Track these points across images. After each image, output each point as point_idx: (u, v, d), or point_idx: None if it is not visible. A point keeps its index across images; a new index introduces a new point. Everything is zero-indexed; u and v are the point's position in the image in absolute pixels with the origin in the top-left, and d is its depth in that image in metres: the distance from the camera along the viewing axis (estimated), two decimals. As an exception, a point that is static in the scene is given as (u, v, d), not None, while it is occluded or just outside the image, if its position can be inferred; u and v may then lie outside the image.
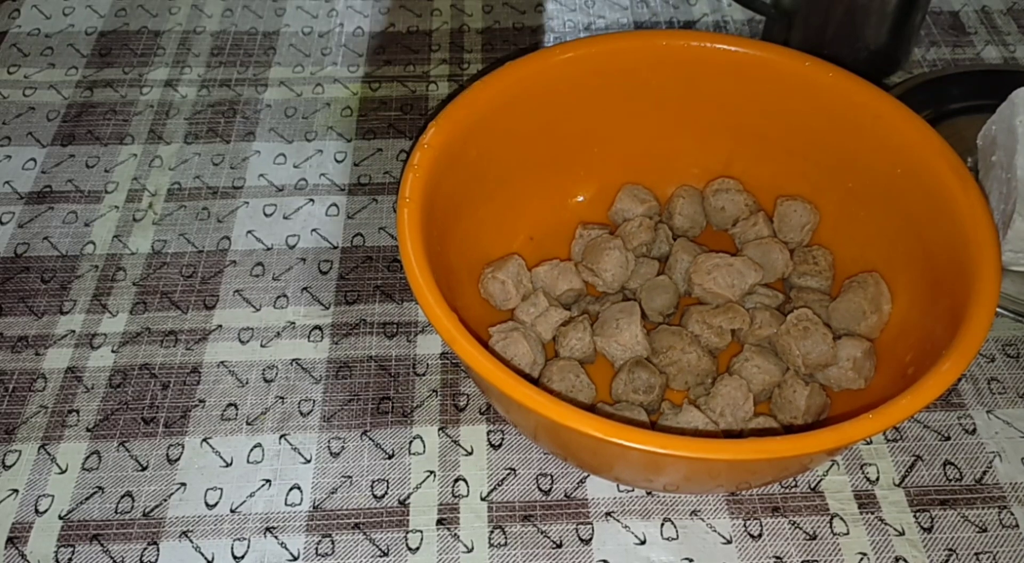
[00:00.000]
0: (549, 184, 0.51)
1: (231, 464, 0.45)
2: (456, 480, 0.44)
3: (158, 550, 0.42)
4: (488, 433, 0.46)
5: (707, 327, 0.46)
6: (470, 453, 0.45)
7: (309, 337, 0.50)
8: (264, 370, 0.48)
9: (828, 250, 0.50)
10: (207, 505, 0.43)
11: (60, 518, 0.43)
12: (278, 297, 0.51)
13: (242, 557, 0.41)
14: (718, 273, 0.47)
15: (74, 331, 0.50)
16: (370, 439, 0.46)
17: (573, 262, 0.50)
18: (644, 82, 0.49)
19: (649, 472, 0.40)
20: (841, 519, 0.43)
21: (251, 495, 0.43)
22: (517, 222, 0.51)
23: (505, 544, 0.42)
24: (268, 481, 0.44)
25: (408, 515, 0.43)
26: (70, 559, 0.41)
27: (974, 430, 0.46)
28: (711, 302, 0.47)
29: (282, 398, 0.47)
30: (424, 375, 0.48)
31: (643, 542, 0.42)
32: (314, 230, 0.55)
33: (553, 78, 0.48)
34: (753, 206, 0.52)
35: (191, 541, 0.42)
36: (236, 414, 0.46)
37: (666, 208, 0.53)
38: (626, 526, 0.42)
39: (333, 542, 0.42)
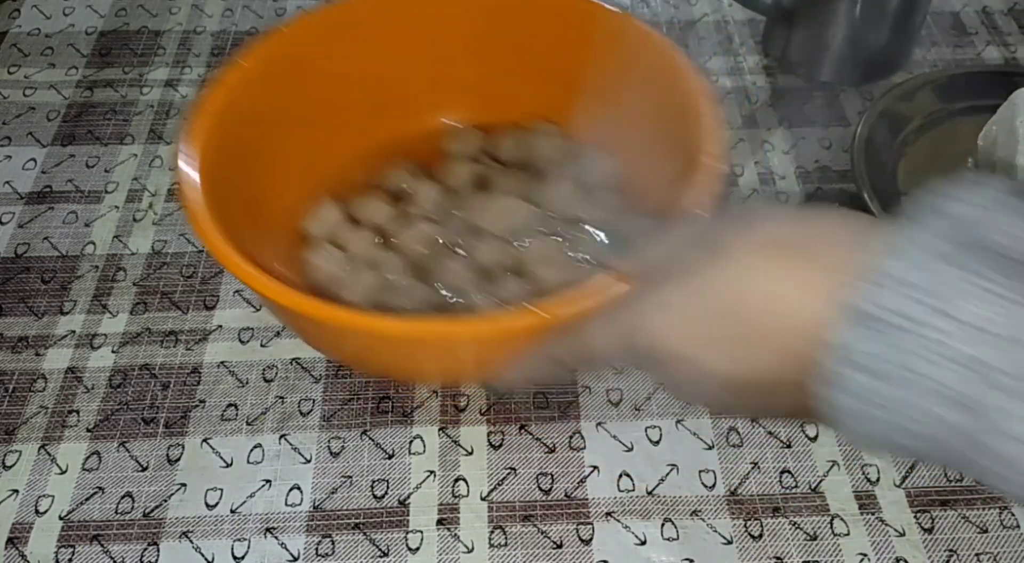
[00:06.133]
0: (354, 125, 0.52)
1: (231, 464, 0.45)
2: (456, 480, 0.44)
3: (158, 551, 0.42)
4: (488, 433, 0.46)
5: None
6: (470, 453, 0.45)
7: (309, 337, 0.50)
8: (264, 370, 0.48)
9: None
10: (207, 505, 0.43)
11: (60, 518, 0.43)
12: (278, 297, 0.51)
13: (242, 558, 0.41)
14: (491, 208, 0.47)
15: (74, 331, 0.50)
16: (370, 439, 0.46)
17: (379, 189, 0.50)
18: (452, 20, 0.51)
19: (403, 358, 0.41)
20: (841, 519, 0.43)
21: (251, 495, 0.43)
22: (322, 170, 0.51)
23: (505, 544, 0.42)
24: (268, 481, 0.44)
25: (408, 515, 0.43)
26: (70, 560, 0.41)
27: (975, 430, 0.46)
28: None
29: (282, 398, 0.47)
30: (424, 375, 0.48)
31: (643, 542, 0.42)
32: (314, 230, 0.55)
33: (364, 17, 0.50)
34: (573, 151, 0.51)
35: (191, 542, 0.42)
36: (236, 414, 0.46)
37: (491, 145, 0.53)
38: (626, 526, 0.42)
39: (333, 542, 0.42)
